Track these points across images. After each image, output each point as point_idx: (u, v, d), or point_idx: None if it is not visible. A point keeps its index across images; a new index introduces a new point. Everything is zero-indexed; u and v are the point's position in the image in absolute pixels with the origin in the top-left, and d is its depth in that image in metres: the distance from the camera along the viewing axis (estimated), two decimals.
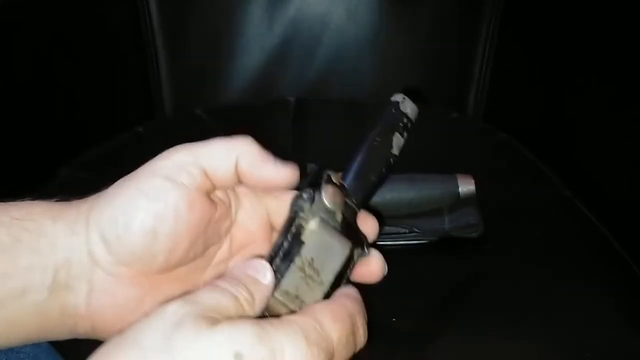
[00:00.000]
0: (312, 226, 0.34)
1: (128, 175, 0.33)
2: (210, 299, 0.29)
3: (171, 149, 0.34)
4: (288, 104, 0.88)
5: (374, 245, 0.37)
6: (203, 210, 0.33)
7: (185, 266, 0.34)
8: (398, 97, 0.38)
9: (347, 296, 0.33)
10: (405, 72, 0.93)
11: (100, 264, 0.32)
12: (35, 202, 0.34)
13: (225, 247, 0.37)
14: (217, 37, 0.92)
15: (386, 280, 0.55)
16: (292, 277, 0.33)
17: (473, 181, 0.58)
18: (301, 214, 0.33)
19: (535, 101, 0.83)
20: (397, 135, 0.37)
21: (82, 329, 0.34)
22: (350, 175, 0.36)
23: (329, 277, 0.34)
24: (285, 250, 0.33)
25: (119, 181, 0.33)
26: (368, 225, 0.37)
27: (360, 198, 0.36)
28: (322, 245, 0.34)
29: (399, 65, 0.92)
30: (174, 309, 0.28)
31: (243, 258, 0.36)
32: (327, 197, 0.34)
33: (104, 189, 0.34)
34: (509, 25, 0.88)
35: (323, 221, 0.34)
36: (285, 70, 0.92)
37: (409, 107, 0.38)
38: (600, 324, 0.51)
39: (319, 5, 0.90)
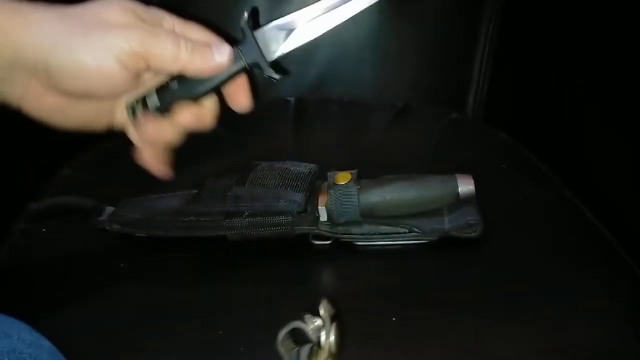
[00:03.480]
0: None
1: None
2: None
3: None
4: (288, 104, 0.88)
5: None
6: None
7: None
8: None
9: None
10: (405, 72, 0.93)
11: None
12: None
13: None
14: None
15: (386, 280, 0.56)
16: None
17: (473, 181, 0.58)
18: None
19: (535, 101, 0.83)
20: None
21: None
22: None
23: None
24: None
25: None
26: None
27: None
28: None
29: (399, 65, 0.92)
30: None
31: None
32: None
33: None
34: (509, 25, 0.88)
35: None
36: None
37: None
38: (600, 325, 0.51)
39: None
